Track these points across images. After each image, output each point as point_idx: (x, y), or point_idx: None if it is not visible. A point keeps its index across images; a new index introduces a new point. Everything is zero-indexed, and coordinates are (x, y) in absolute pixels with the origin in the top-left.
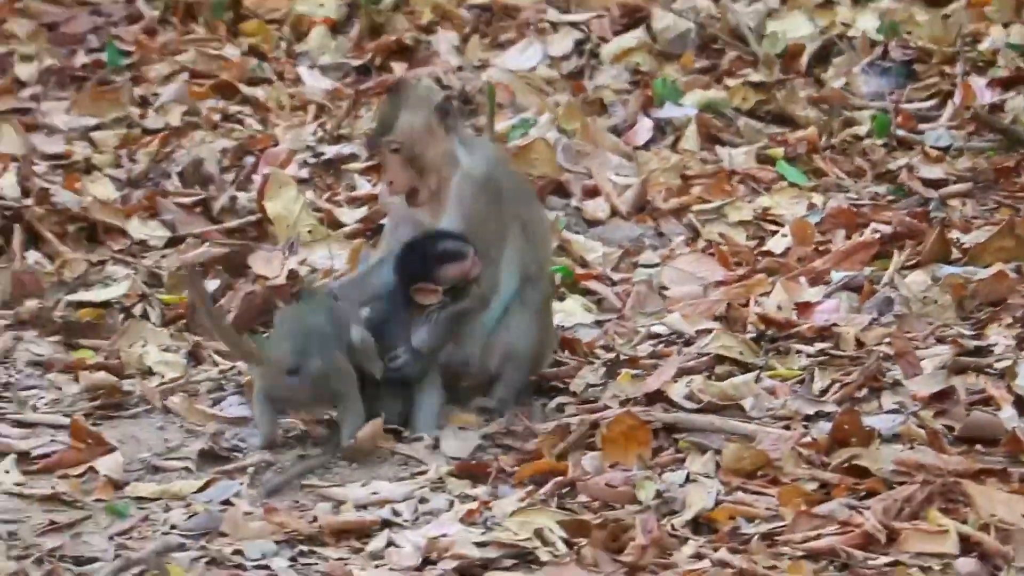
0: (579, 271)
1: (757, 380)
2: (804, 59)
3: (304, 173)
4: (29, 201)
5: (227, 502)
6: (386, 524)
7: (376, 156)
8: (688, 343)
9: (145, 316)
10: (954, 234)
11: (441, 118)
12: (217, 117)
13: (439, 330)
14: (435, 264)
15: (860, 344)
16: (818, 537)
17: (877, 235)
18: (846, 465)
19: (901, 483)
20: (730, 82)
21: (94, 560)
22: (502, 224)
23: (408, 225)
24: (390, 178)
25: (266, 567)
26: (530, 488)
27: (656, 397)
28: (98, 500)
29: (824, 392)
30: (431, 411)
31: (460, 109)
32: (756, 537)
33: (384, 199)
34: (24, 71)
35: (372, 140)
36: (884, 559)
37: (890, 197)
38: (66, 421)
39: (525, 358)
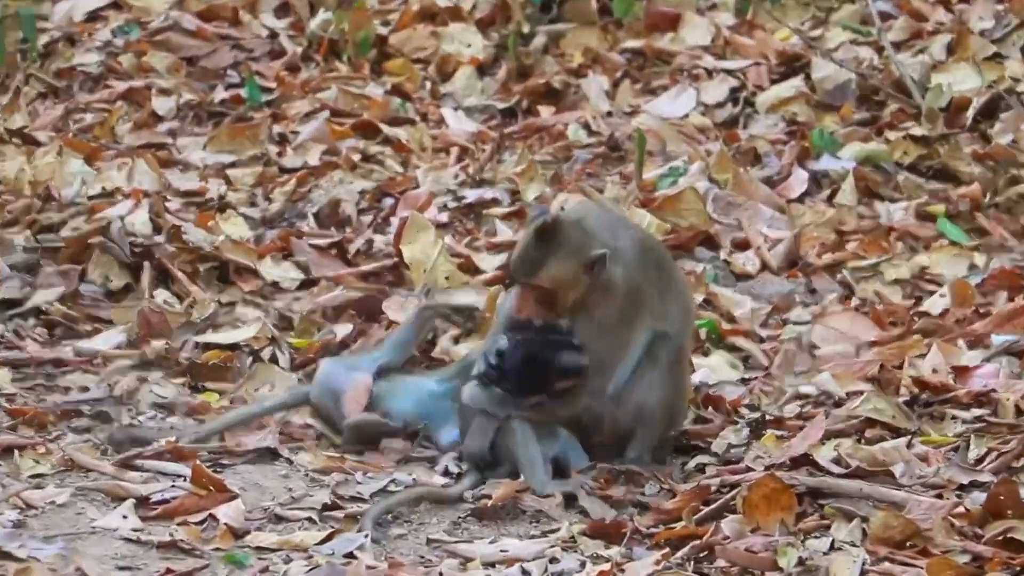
0: (725, 326)
1: (909, 446)
2: (969, 113)
3: (443, 217)
4: (160, 238)
5: (350, 555)
6: None
7: (508, 279)
8: (837, 404)
9: (274, 360)
10: None
11: (589, 270)
12: (357, 157)
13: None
14: (553, 380)
15: (1020, 412)
16: None
17: None
18: (1001, 538)
19: None
20: (891, 135)
21: None
22: (639, 314)
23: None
24: (520, 308)
25: None
26: (666, 551)
27: (802, 460)
28: (217, 549)
29: (980, 461)
30: (533, 464)
31: (609, 258)
32: None
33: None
34: (162, 105)
35: (512, 273)
36: None
37: None
38: (187, 466)
39: (656, 415)
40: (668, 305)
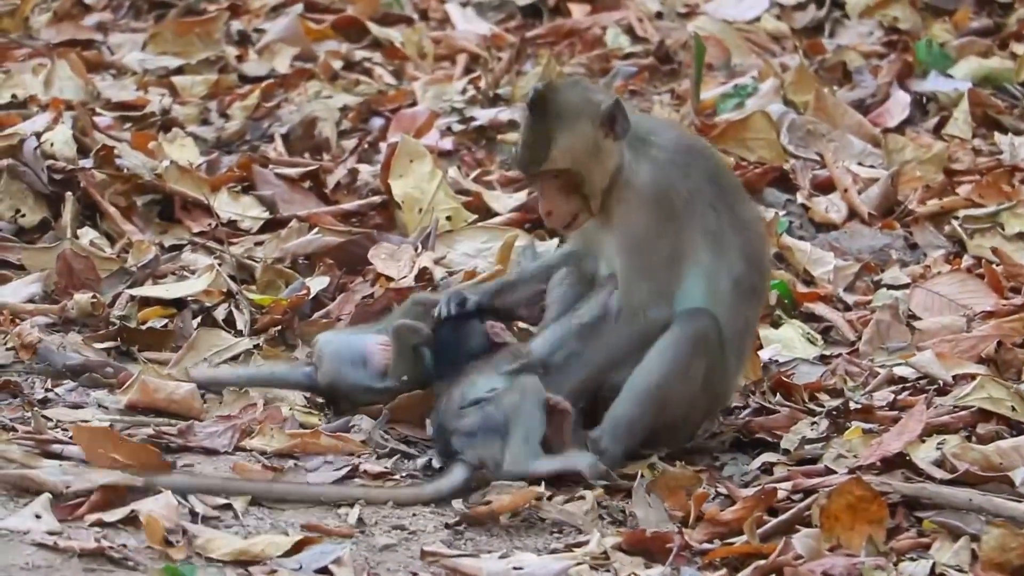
0: (801, 289)
1: None
2: None
3: (447, 143)
4: (87, 162)
5: (324, 570)
6: None
7: (525, 180)
8: (942, 391)
9: (229, 321)
10: None
11: (609, 128)
12: (338, 65)
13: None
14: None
15: None
16: None
17: None
18: None
19: None
20: (1018, 48)
21: None
22: (679, 241)
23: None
24: (548, 208)
25: None
26: (722, 573)
27: (895, 461)
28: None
29: None
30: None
31: (628, 105)
32: None
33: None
34: None
35: (522, 168)
36: None
37: None
38: None
39: (643, 394)
40: (725, 248)
